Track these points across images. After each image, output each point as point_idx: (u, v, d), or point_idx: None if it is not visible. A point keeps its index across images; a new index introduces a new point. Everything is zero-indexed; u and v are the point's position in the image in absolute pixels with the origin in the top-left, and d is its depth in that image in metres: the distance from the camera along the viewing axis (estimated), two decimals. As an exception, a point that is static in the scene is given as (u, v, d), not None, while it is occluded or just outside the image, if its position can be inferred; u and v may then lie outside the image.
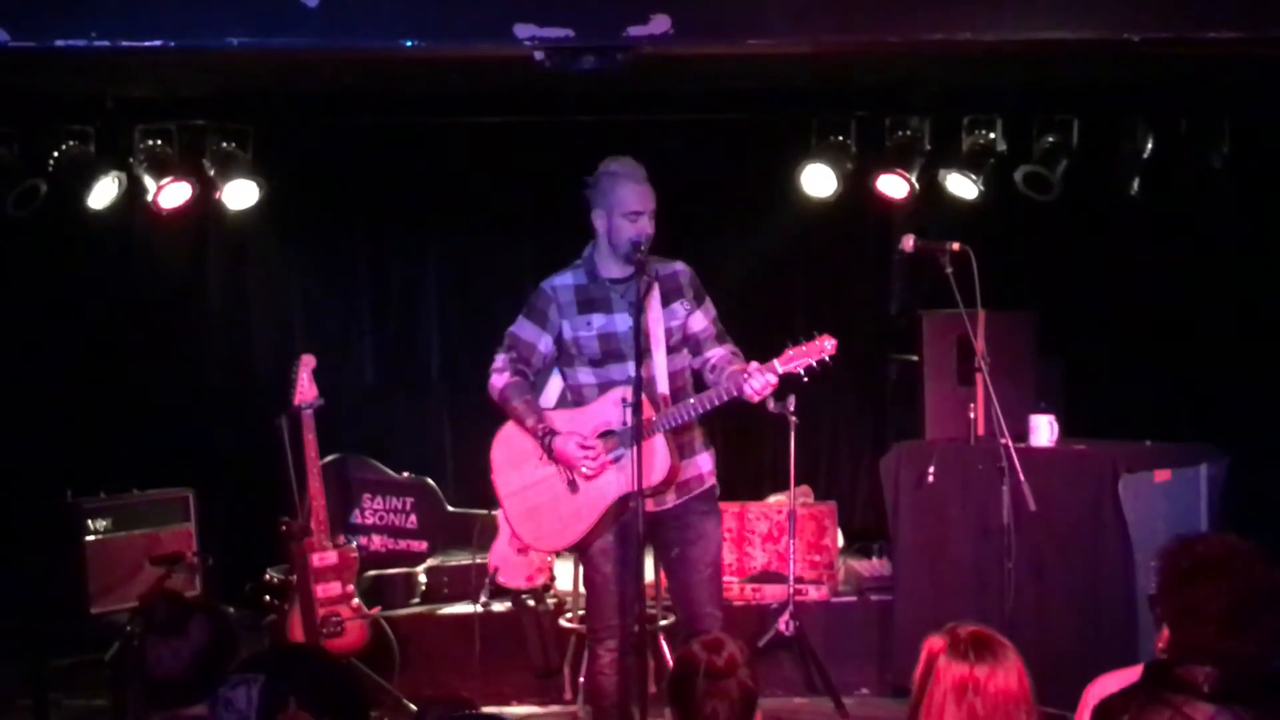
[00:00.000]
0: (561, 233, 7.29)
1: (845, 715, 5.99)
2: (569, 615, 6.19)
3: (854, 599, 6.56)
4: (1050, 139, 6.79)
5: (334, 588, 5.81)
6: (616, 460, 4.50)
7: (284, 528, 5.80)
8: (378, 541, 6.96)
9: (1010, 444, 4.94)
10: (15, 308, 7.12)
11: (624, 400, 4.40)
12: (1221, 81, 6.35)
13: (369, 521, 6.98)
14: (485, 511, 6.84)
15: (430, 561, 6.86)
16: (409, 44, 4.59)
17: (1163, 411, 6.82)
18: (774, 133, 7.21)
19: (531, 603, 6.34)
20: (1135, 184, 6.81)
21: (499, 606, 6.39)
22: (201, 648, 3.20)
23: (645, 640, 4.64)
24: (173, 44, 4.54)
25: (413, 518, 7.02)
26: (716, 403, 4.43)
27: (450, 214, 7.68)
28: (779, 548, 6.48)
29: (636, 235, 4.47)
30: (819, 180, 6.98)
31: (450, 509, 7.12)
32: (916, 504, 6.03)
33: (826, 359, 4.37)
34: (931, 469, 5.84)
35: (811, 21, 4.63)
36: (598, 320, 4.58)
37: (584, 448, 4.50)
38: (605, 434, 4.54)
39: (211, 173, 6.89)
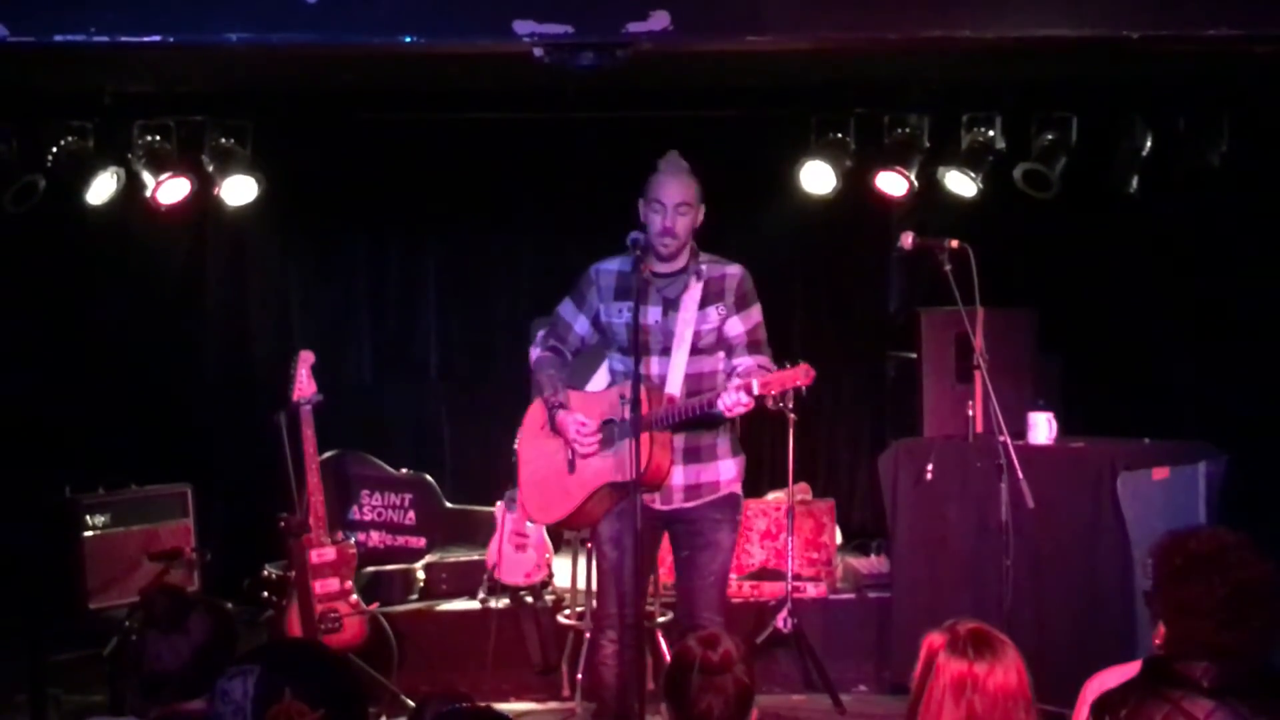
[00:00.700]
0: (561, 229, 7.41)
1: (843, 712, 5.99)
2: (567, 612, 6.20)
3: (852, 596, 6.57)
4: (1049, 136, 6.79)
5: (332, 584, 5.81)
6: (609, 446, 4.55)
7: (282, 524, 5.80)
8: (376, 538, 6.96)
9: (1009, 441, 4.94)
10: (13, 304, 7.12)
11: (623, 396, 4.44)
12: (1220, 79, 6.35)
13: (367, 518, 6.98)
14: (483, 507, 6.86)
15: (428, 558, 6.86)
16: (408, 40, 4.59)
17: (1161, 409, 6.82)
18: (773, 130, 7.22)
19: (530, 599, 6.35)
20: (1134, 182, 6.81)
21: (497, 603, 6.39)
22: (201, 643, 3.19)
23: (643, 636, 4.65)
24: (172, 40, 4.53)
25: (411, 514, 7.02)
26: (693, 413, 4.45)
27: (449, 210, 7.68)
28: (777, 545, 6.48)
29: (662, 228, 4.51)
30: (818, 177, 6.98)
31: (448, 505, 7.14)
32: (915, 501, 6.03)
33: (802, 388, 4.37)
34: (930, 466, 5.84)
35: (811, 18, 4.63)
36: (630, 310, 4.59)
37: (582, 425, 4.57)
38: (606, 422, 4.59)
39: (210, 169, 6.88)
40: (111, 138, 6.78)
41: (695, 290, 4.58)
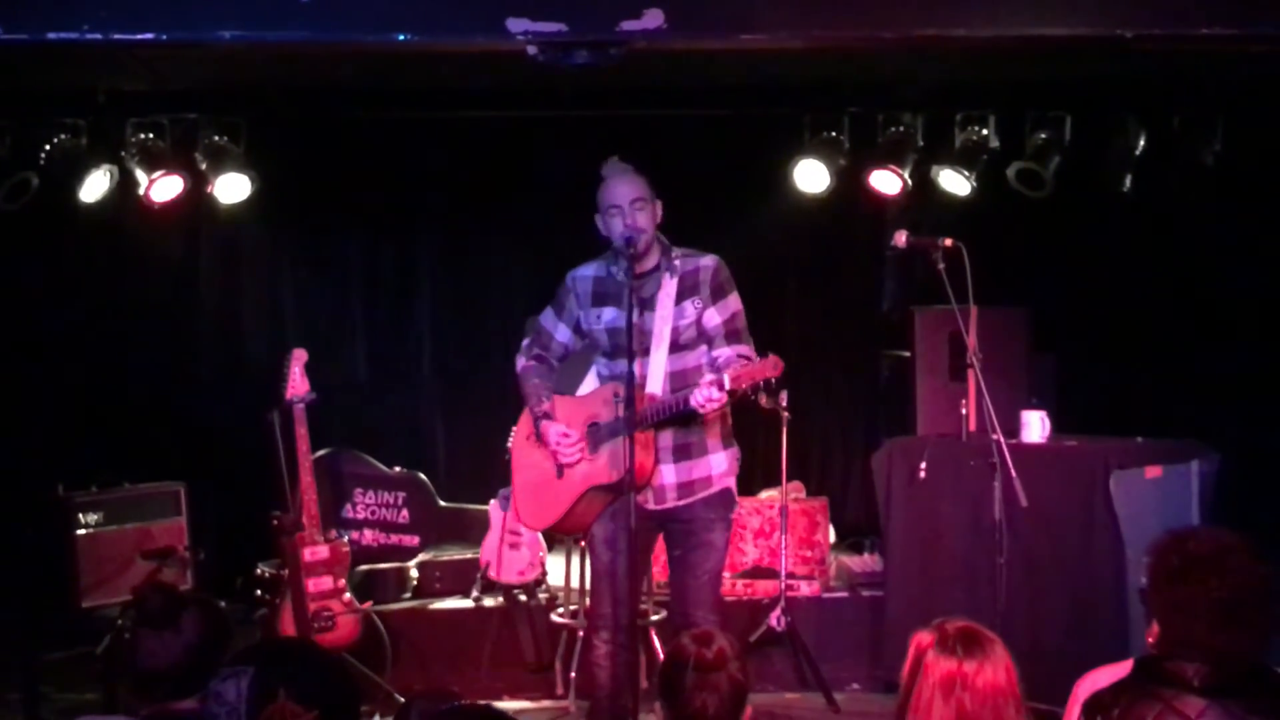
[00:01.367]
0: (555, 228, 7.39)
1: (836, 710, 6.00)
2: (561, 611, 6.20)
3: (846, 594, 6.57)
4: (1043, 135, 6.80)
5: (325, 582, 5.80)
6: (595, 449, 4.56)
7: (275, 522, 5.79)
8: (369, 536, 6.96)
9: (1002, 440, 4.94)
10: (5, 301, 7.10)
11: (615, 395, 4.45)
12: (1214, 78, 6.36)
13: (361, 516, 6.98)
14: (477, 506, 6.86)
15: (422, 556, 6.85)
16: (401, 38, 4.59)
17: (1154, 408, 6.83)
18: (766, 128, 7.22)
19: (524, 598, 6.35)
20: (1128, 180, 6.83)
21: (491, 602, 6.39)
22: (194, 641, 3.18)
23: (637, 635, 4.65)
24: (165, 37, 4.53)
25: (404, 512, 7.03)
26: (670, 412, 4.42)
27: (443, 209, 7.69)
28: (771, 543, 6.48)
29: (624, 230, 4.49)
30: (811, 176, 6.98)
31: (442, 504, 7.14)
32: (908, 500, 6.03)
33: (772, 379, 4.33)
34: (923, 465, 5.84)
35: (804, 17, 4.63)
36: (607, 314, 4.61)
37: (563, 436, 4.58)
38: (592, 425, 4.59)
39: (203, 166, 6.88)
40: (105, 135, 6.78)
41: (670, 287, 4.56)
